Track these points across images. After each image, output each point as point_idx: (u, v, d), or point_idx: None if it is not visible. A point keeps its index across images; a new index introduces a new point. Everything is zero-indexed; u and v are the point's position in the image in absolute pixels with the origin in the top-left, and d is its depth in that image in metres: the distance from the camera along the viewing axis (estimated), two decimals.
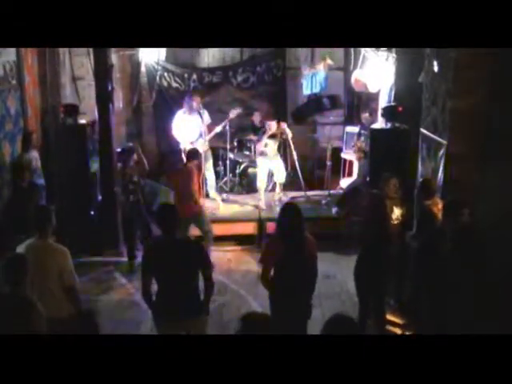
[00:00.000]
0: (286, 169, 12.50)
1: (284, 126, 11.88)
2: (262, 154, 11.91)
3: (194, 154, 9.76)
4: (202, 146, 11.79)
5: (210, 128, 12.04)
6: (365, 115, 12.37)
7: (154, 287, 5.75)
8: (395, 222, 7.73)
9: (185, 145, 11.92)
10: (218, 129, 12.04)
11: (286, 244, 5.85)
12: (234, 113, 12.03)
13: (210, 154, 12.29)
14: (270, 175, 12.34)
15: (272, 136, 11.77)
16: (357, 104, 14.12)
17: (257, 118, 13.00)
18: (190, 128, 11.86)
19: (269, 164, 11.97)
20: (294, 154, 12.05)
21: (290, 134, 11.90)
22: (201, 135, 11.88)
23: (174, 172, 10.28)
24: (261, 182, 12.02)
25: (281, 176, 12.13)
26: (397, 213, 7.76)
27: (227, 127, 12.11)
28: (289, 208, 6.19)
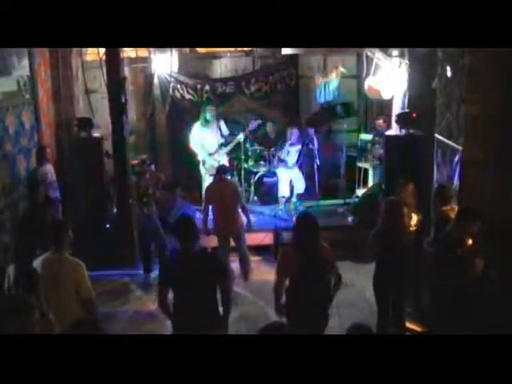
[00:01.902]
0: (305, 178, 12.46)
1: (312, 131, 11.94)
2: (282, 162, 11.92)
3: (225, 169, 9.90)
4: (222, 158, 11.83)
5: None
6: (379, 122, 12.34)
7: (170, 297, 5.76)
8: (412, 229, 7.67)
9: (203, 157, 11.96)
10: (238, 139, 12.06)
11: (302, 253, 5.84)
12: (253, 124, 12.06)
13: (227, 164, 12.33)
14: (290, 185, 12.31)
15: (292, 144, 11.79)
16: (370, 111, 14.10)
17: (270, 128, 13.02)
18: (208, 140, 11.89)
19: (289, 173, 11.97)
20: (317, 161, 12.00)
21: (316, 142, 11.95)
22: (220, 146, 11.92)
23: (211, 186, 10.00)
24: (282, 192, 12.03)
25: (300, 186, 12.12)
26: (415, 219, 7.71)
27: (242, 137, 12.14)
28: (304, 217, 6.20)
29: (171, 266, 5.77)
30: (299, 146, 11.99)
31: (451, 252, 6.12)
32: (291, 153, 11.85)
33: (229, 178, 9.93)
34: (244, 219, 9.72)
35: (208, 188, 9.78)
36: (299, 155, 12.18)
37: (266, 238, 10.87)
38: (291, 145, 11.79)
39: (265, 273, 9.96)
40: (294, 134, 11.81)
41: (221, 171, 9.69)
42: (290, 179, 12.06)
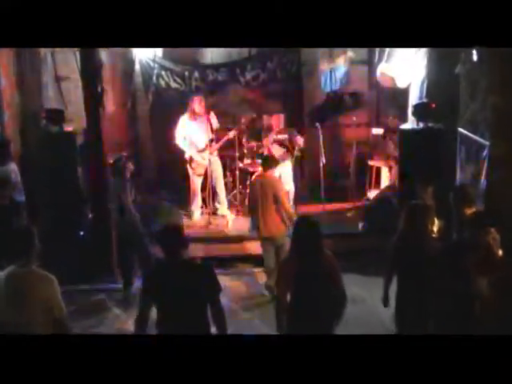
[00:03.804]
0: (303, 176, 12.40)
1: (300, 141, 11.85)
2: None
3: (271, 161, 9.75)
4: (211, 156, 11.79)
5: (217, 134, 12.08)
6: (390, 119, 12.30)
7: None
8: (434, 236, 7.63)
9: (191, 155, 11.93)
10: (232, 134, 12.01)
11: (302, 263, 5.81)
12: (247, 118, 12.00)
13: (219, 163, 12.30)
14: None
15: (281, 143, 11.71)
16: (383, 102, 14.04)
17: (268, 121, 12.95)
18: (196, 135, 11.87)
19: (278, 172, 11.92)
20: (323, 159, 11.94)
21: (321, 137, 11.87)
22: (210, 143, 11.86)
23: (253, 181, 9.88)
24: None
25: (288, 182, 12.06)
26: (437, 225, 7.67)
27: (233, 134, 12.09)
28: (303, 222, 6.21)
29: (156, 279, 5.71)
30: (286, 136, 11.88)
31: (460, 261, 6.10)
32: (275, 149, 11.73)
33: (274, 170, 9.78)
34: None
35: (250, 184, 9.75)
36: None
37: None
38: (276, 133, 11.68)
39: (262, 287, 9.92)
40: (279, 119, 11.69)
41: (265, 163, 9.61)
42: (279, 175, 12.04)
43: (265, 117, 12.88)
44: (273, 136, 11.79)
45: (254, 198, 9.45)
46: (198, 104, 11.80)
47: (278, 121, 11.98)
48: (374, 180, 13.03)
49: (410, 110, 10.88)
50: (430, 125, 9.75)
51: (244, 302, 9.63)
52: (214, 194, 12.27)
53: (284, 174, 11.88)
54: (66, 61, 12.06)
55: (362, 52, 13.87)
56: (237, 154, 12.40)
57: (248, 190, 9.89)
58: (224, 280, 9.61)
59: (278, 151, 11.82)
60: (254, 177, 10.16)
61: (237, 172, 12.60)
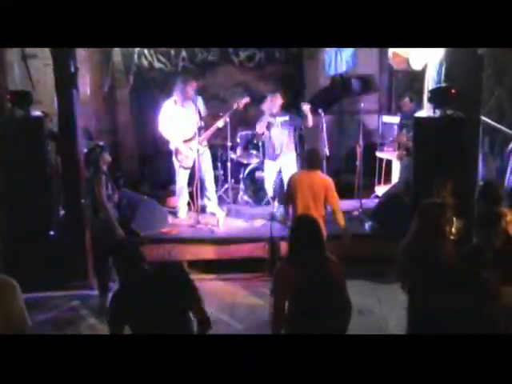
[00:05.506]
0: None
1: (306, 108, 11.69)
2: (269, 153, 11.83)
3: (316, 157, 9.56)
4: (199, 145, 11.71)
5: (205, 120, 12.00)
6: (405, 101, 12.29)
7: None
8: (452, 239, 7.57)
9: (176, 144, 11.83)
10: (220, 123, 11.93)
11: (302, 269, 5.73)
12: (241, 103, 11.92)
13: (208, 155, 12.20)
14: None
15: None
16: (395, 86, 14.03)
17: (268, 106, 12.84)
18: (183, 122, 11.79)
19: (277, 162, 11.83)
20: (326, 150, 11.84)
21: (310, 122, 11.76)
22: (200, 130, 11.78)
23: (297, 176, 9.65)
24: (270, 191, 11.94)
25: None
26: (455, 226, 7.61)
27: (228, 119, 12.01)
28: (303, 221, 6.20)
29: (122, 301, 5.61)
30: (286, 118, 11.79)
31: (479, 267, 6.04)
32: (275, 135, 11.67)
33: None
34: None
35: (292, 179, 9.56)
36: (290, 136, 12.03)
37: (256, 250, 10.77)
38: (273, 115, 11.60)
39: (256, 295, 10.02)
40: (276, 101, 11.61)
41: (312, 158, 9.44)
42: (278, 172, 11.94)
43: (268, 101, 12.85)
44: (269, 118, 11.67)
45: (300, 196, 9.16)
46: (185, 87, 11.68)
47: (273, 102, 11.81)
48: (383, 174, 13.01)
49: (426, 96, 10.82)
50: (448, 113, 9.66)
51: (235, 312, 9.57)
52: (203, 188, 12.18)
53: (287, 166, 11.81)
54: None
55: None
56: (229, 144, 12.31)
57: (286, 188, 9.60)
58: (213, 286, 9.62)
59: (279, 136, 11.76)
60: (297, 172, 10.20)
61: (228, 164, 12.54)
